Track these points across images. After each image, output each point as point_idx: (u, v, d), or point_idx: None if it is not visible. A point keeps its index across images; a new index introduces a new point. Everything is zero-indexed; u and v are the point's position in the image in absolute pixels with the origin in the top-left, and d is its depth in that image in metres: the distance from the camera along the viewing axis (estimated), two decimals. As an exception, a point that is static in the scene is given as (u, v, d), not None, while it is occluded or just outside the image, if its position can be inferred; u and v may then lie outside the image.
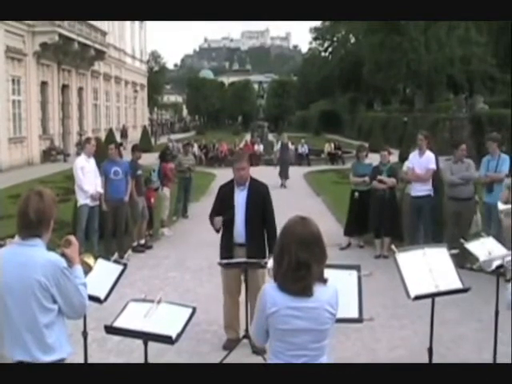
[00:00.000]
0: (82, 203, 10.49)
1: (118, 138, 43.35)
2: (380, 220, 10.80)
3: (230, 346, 6.57)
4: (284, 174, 22.94)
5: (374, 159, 12.18)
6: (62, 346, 3.57)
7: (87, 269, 4.10)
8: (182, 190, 15.75)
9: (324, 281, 3.23)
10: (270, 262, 3.74)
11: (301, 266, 3.12)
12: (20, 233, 3.55)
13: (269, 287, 3.25)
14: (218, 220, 6.64)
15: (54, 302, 3.49)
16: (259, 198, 6.68)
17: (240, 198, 6.66)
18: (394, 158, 14.77)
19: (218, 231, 6.82)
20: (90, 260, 4.24)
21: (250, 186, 6.70)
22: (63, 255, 3.61)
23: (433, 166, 10.45)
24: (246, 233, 6.62)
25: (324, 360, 3.25)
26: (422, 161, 10.49)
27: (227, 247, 6.72)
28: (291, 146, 28.81)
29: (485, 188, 10.02)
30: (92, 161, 10.66)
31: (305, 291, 3.14)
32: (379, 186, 10.84)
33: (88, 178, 10.43)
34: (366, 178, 11.34)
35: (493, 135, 10.51)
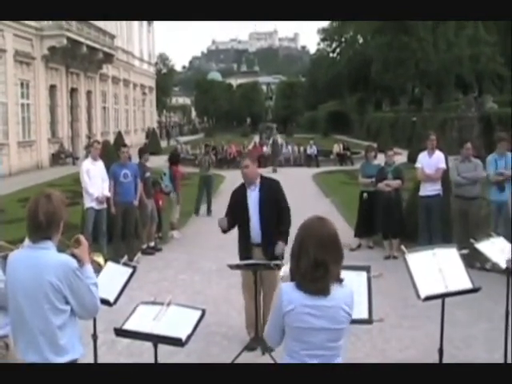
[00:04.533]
0: (88, 206, 10.55)
1: (143, 139, 44.61)
2: (387, 221, 10.78)
3: (252, 345, 6.50)
4: (275, 164, 30.04)
5: (382, 160, 12.12)
6: (74, 347, 3.59)
7: (97, 267, 4.12)
8: (203, 187, 16.15)
9: (340, 281, 3.24)
10: (283, 271, 3.70)
11: (319, 266, 3.13)
12: (30, 236, 3.56)
13: (286, 286, 3.25)
14: (221, 220, 6.66)
15: (67, 303, 3.51)
16: (272, 196, 6.67)
17: (253, 198, 6.67)
18: (402, 158, 14.70)
19: (224, 232, 6.80)
20: (99, 259, 4.24)
21: (262, 185, 6.71)
22: (73, 255, 3.62)
23: (443, 165, 10.42)
24: (262, 233, 6.63)
25: (339, 361, 3.24)
26: (431, 160, 10.46)
27: (246, 248, 6.72)
28: (280, 141, 36.01)
29: (495, 187, 9.88)
30: (99, 164, 10.69)
31: (323, 291, 3.15)
32: (385, 189, 10.80)
33: (94, 181, 10.48)
34: (374, 179, 11.31)
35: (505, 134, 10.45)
